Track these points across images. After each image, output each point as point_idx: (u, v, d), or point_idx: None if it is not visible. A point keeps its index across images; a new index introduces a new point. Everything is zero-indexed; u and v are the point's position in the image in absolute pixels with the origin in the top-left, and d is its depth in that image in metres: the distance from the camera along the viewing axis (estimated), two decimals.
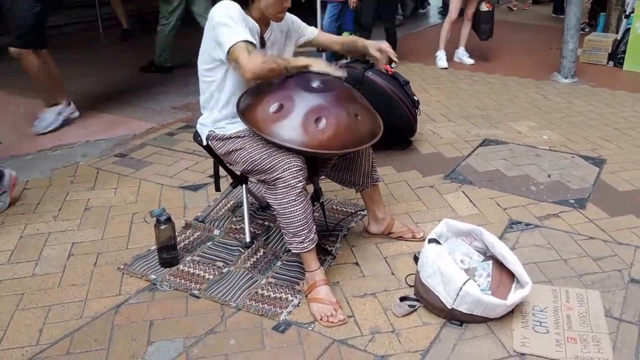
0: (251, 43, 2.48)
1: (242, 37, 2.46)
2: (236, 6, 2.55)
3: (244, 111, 2.55)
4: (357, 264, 2.89)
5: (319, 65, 2.63)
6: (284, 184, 2.47)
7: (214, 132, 2.76)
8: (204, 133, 2.81)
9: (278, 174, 2.47)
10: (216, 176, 3.16)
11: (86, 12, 8.85)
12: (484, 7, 6.52)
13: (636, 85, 6.00)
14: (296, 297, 2.62)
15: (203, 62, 2.69)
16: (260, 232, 3.13)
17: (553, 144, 4.39)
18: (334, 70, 2.65)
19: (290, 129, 2.44)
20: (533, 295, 2.53)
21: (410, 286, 2.69)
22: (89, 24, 8.80)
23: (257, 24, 2.65)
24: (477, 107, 5.29)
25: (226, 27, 2.49)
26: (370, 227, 3.09)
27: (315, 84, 2.58)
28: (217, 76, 2.66)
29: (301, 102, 2.49)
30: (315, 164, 2.76)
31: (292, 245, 2.59)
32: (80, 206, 3.47)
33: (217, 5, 2.56)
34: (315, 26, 4.94)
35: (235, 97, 2.66)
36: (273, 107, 2.48)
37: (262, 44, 2.70)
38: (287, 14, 2.76)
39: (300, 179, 2.48)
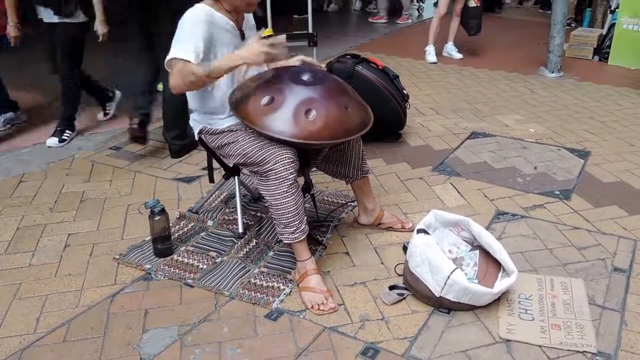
0: (188, 60, 2.45)
1: (180, 54, 2.45)
2: (204, 12, 2.54)
3: (236, 105, 2.58)
4: (347, 253, 2.94)
5: (252, 57, 2.48)
6: (276, 176, 2.50)
7: (207, 127, 2.79)
8: (196, 128, 2.84)
9: (270, 166, 2.50)
10: (210, 169, 3.20)
11: None
12: (473, 2, 6.57)
13: (620, 79, 6.05)
14: (288, 286, 2.66)
15: None
16: (252, 222, 3.17)
17: (539, 137, 4.44)
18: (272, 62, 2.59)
19: (281, 121, 2.48)
20: (519, 283, 2.57)
21: (399, 275, 2.73)
22: None
23: (231, 20, 2.64)
24: (465, 100, 5.34)
25: (176, 40, 2.50)
26: (361, 218, 3.14)
27: (305, 77, 2.62)
28: None
29: (292, 95, 2.52)
30: (306, 156, 2.79)
31: (283, 236, 2.63)
32: (76, 198, 3.51)
33: (187, 12, 2.56)
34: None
35: (225, 95, 2.69)
36: (264, 100, 2.51)
37: (242, 36, 2.71)
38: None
39: (292, 170, 2.51)
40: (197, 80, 2.47)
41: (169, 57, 2.47)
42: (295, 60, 2.85)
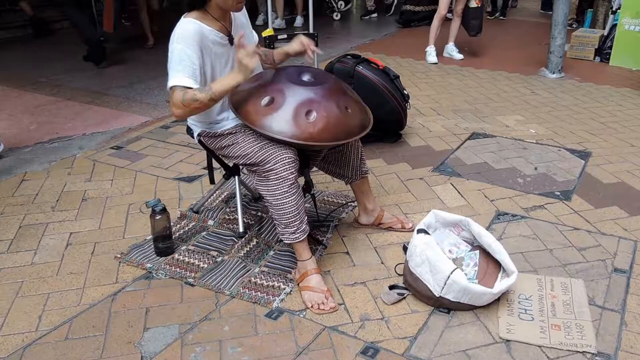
0: (185, 85, 2.44)
1: (177, 81, 2.43)
2: (192, 29, 2.49)
3: (237, 105, 2.59)
4: (347, 253, 2.94)
5: (244, 74, 2.43)
6: (276, 176, 2.51)
7: (206, 130, 2.79)
8: (195, 130, 2.84)
9: (270, 166, 2.51)
10: (210, 170, 3.21)
11: None
12: (474, 3, 6.57)
13: (622, 80, 6.05)
14: (288, 286, 2.67)
15: None
16: (253, 222, 3.18)
17: (540, 138, 4.44)
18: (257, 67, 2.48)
19: (281, 121, 2.49)
20: (519, 284, 2.58)
21: (400, 275, 2.74)
22: None
23: (220, 31, 2.60)
24: (465, 101, 5.34)
25: (171, 65, 2.47)
26: (361, 218, 3.14)
27: (306, 78, 2.63)
28: None
29: (292, 96, 2.53)
30: (306, 156, 2.80)
31: (284, 236, 2.64)
32: (77, 197, 3.52)
33: (177, 29, 2.51)
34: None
35: (223, 106, 2.70)
36: (265, 101, 2.52)
37: (231, 41, 2.66)
38: None
39: (292, 170, 2.52)
40: (201, 105, 2.46)
41: (171, 84, 2.46)
42: (296, 42, 2.81)
